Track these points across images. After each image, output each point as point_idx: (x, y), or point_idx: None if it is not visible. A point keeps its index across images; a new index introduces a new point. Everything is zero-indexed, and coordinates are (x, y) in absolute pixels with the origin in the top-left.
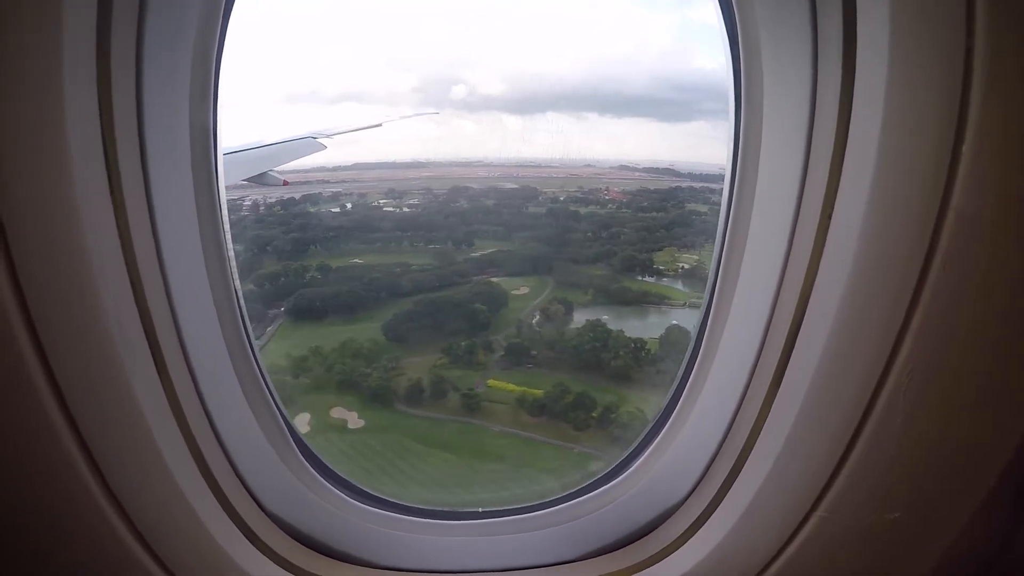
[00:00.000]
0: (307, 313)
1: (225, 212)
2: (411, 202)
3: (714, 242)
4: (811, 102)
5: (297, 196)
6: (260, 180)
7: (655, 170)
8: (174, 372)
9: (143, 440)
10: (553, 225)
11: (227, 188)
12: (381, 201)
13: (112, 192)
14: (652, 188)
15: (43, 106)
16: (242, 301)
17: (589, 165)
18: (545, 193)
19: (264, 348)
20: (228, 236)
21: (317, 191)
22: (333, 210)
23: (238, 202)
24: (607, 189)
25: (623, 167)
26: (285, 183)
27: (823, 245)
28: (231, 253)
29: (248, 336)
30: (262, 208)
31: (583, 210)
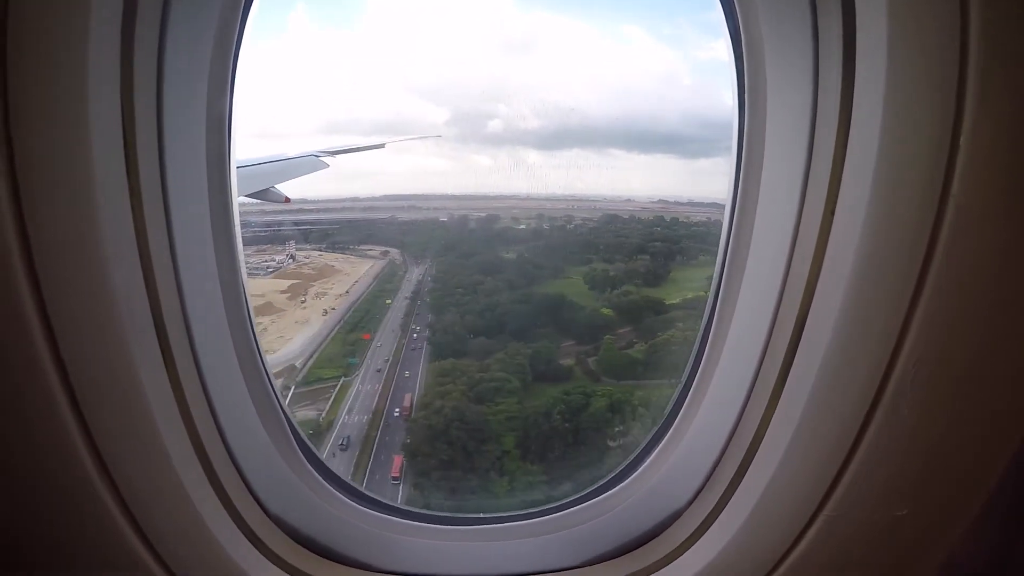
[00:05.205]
0: None
1: (236, 208)
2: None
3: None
4: (813, 101)
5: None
6: (263, 196)
7: (701, 204)
8: (182, 371)
9: (149, 438)
10: None
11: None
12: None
13: (129, 178)
14: None
15: (66, 92)
16: (249, 301)
17: (629, 200)
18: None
19: None
20: (239, 232)
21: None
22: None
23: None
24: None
25: (662, 201)
26: (287, 200)
27: (827, 242)
28: (240, 245)
29: (254, 337)
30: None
31: None
